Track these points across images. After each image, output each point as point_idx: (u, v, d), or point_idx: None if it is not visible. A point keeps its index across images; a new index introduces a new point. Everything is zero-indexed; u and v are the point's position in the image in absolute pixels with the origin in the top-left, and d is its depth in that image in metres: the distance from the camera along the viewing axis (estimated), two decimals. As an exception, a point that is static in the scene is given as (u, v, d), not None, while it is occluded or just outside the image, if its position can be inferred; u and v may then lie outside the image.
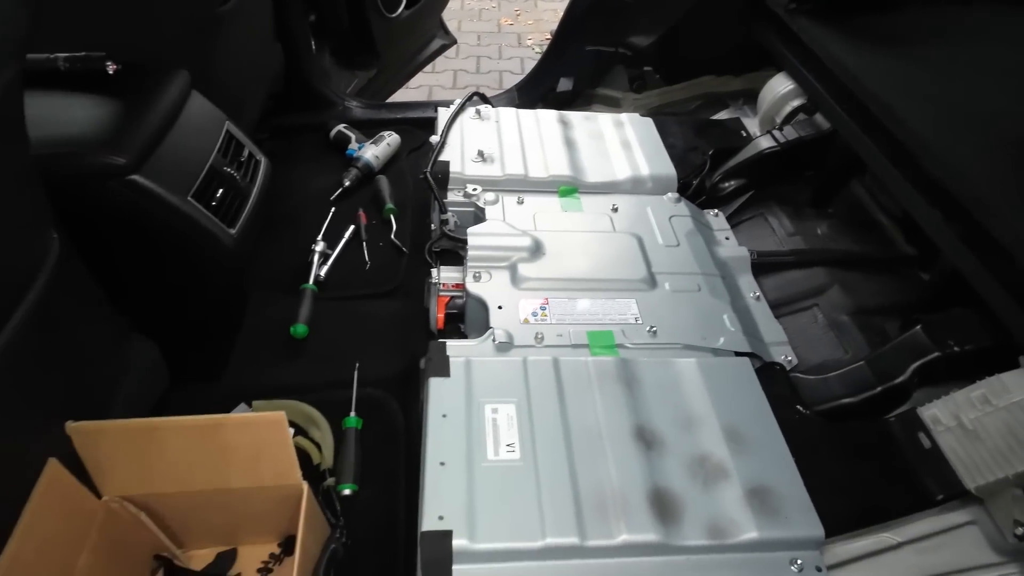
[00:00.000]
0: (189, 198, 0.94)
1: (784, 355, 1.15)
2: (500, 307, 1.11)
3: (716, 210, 1.42)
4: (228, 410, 1.16)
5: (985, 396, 0.88)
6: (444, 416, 0.91)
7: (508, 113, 1.56)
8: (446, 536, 0.78)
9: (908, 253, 1.31)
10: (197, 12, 1.13)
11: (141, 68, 0.98)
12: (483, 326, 1.09)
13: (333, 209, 1.64)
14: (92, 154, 0.85)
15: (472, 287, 1.14)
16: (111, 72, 0.94)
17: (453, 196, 1.35)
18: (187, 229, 0.94)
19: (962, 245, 0.98)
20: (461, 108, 1.53)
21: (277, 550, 1.03)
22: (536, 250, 1.20)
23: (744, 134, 1.57)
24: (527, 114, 1.56)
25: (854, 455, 0.94)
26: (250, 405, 1.19)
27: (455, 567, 0.77)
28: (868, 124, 1.19)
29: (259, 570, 1.01)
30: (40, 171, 0.73)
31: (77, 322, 0.79)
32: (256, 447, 0.85)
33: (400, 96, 2.53)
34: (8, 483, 0.69)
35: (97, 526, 0.84)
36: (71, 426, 0.79)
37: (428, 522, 0.79)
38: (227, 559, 1.01)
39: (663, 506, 0.84)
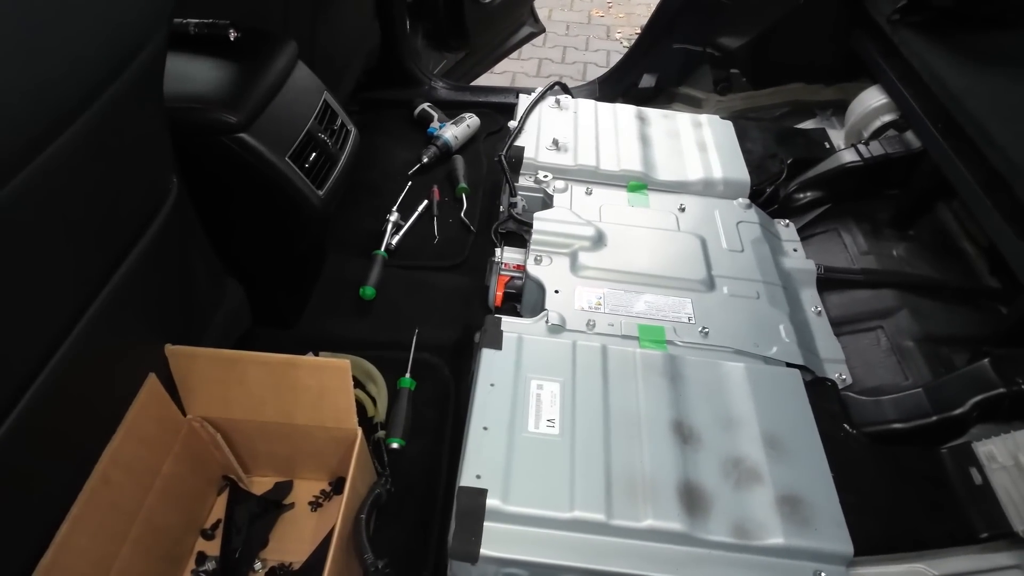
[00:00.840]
0: (287, 158, 1.03)
1: (839, 373, 1.13)
2: (557, 291, 1.15)
3: (787, 220, 1.40)
4: (298, 356, 1.27)
5: (1048, 439, 0.85)
6: (492, 385, 0.97)
7: (587, 105, 1.58)
8: (481, 493, 0.84)
9: (990, 286, 1.25)
10: (309, -11, 1.24)
11: (258, 36, 1.08)
12: (538, 308, 1.14)
13: (410, 183, 1.73)
14: (211, 111, 0.96)
15: (532, 269, 1.18)
16: (232, 39, 1.05)
17: (524, 181, 1.39)
18: (282, 185, 1.03)
19: (1046, 281, 0.93)
20: (541, 96, 1.57)
21: (328, 488, 1.13)
22: (598, 240, 1.23)
23: (827, 146, 1.53)
24: (605, 107, 1.58)
25: (897, 479, 0.93)
26: (317, 355, 1.29)
27: (486, 524, 0.83)
28: (962, 147, 1.13)
29: (310, 502, 1.11)
30: (168, 122, 0.83)
31: (183, 258, 0.90)
32: (320, 389, 0.94)
33: (484, 80, 2.58)
34: (117, 389, 0.80)
35: (181, 439, 0.95)
36: (169, 348, 0.90)
37: (466, 479, 0.85)
38: (284, 489, 1.12)
39: (692, 499, 0.86)
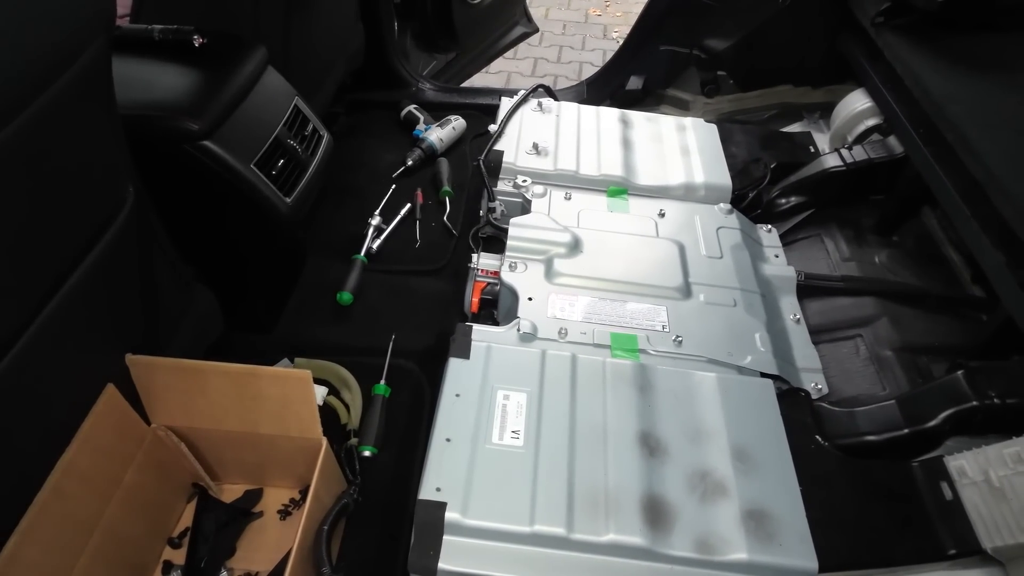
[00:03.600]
0: (252, 166, 1.03)
1: (815, 383, 1.11)
2: (530, 299, 1.14)
3: (769, 226, 1.38)
4: (273, 362, 1.26)
5: (1019, 454, 0.83)
6: (457, 396, 0.96)
7: (570, 108, 1.57)
8: (440, 507, 0.83)
9: (973, 295, 1.23)
10: (284, -8, 1.23)
11: (226, 41, 1.07)
12: (513, 315, 1.12)
13: (394, 186, 1.72)
14: (172, 118, 0.95)
15: (506, 276, 1.17)
16: (197, 45, 1.04)
17: (503, 185, 1.38)
18: (247, 193, 1.03)
19: (1021, 293, 0.92)
20: (523, 100, 1.56)
21: (297, 496, 1.12)
22: (574, 247, 1.22)
23: (812, 149, 1.51)
24: (588, 110, 1.56)
25: (866, 494, 0.91)
26: (292, 361, 1.29)
27: (445, 537, 0.82)
28: (941, 153, 1.12)
29: (279, 511, 1.10)
30: (125, 129, 0.82)
31: (144, 266, 0.89)
32: (283, 399, 0.93)
33: (478, 80, 2.56)
34: (71, 401, 0.80)
35: (144, 449, 0.95)
36: (130, 358, 0.89)
37: (426, 491, 0.85)
38: (253, 497, 1.11)
39: (655, 513, 0.85)
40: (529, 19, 2.72)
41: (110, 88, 0.74)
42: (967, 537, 0.84)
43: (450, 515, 0.83)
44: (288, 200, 1.09)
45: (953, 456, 0.91)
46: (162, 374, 0.91)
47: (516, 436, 0.92)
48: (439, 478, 0.86)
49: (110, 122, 0.76)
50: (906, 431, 0.97)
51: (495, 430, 0.92)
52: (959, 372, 0.95)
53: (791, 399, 1.03)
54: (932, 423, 0.94)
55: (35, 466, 0.74)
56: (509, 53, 2.75)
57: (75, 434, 0.80)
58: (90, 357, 0.81)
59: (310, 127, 1.19)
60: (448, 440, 0.90)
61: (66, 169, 0.69)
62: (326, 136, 1.24)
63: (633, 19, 1.91)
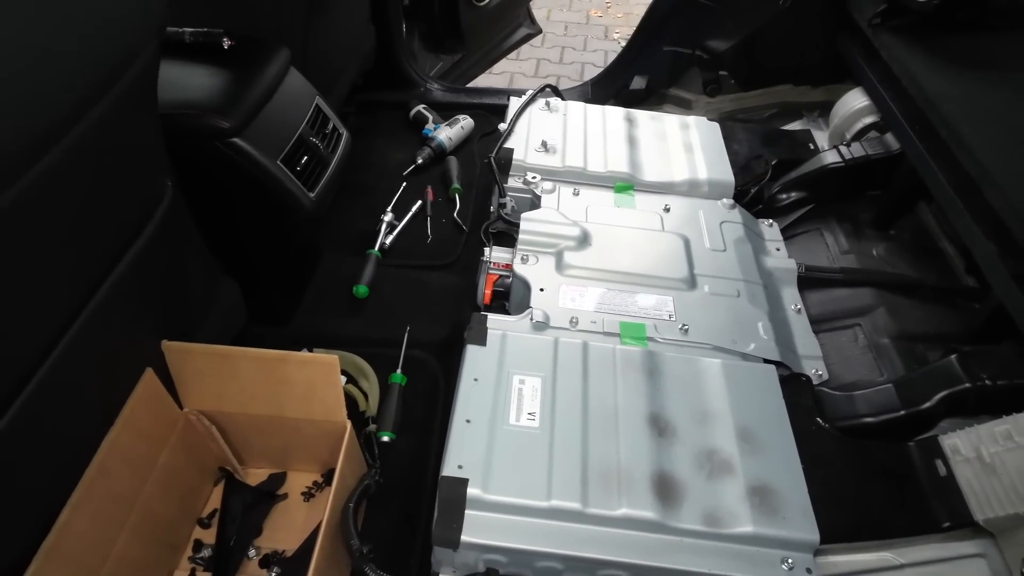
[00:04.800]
0: (278, 162, 1.08)
1: (815, 369, 1.16)
2: (542, 289, 1.18)
3: (771, 220, 1.43)
4: (292, 353, 1.30)
5: (1009, 432, 0.88)
6: (476, 380, 1.00)
7: (576, 107, 1.61)
8: (462, 483, 0.88)
9: (967, 285, 1.28)
10: (304, -1, 1.28)
11: (252, 43, 1.12)
12: (525, 305, 1.17)
13: (404, 183, 1.77)
14: (205, 117, 1.00)
15: (519, 268, 1.22)
16: (226, 47, 1.09)
17: (513, 182, 1.43)
18: (274, 187, 1.08)
19: (1012, 282, 0.96)
20: (531, 99, 1.60)
21: (320, 479, 1.17)
22: (583, 240, 1.27)
23: (812, 147, 1.55)
24: (595, 109, 1.61)
25: (865, 472, 0.96)
26: (311, 351, 1.33)
27: (467, 512, 0.87)
28: (936, 149, 1.17)
29: (303, 493, 1.15)
30: (162, 128, 0.87)
31: (178, 258, 0.94)
32: (310, 383, 0.98)
33: (482, 81, 2.61)
34: (115, 384, 0.85)
35: (177, 432, 0.99)
36: (166, 344, 0.94)
37: (448, 469, 0.89)
38: (278, 480, 1.16)
39: (665, 489, 0.90)
40: (532, 21, 2.77)
41: (155, 89, 0.79)
42: (960, 510, 0.89)
43: (471, 491, 0.87)
44: (311, 194, 1.15)
45: (947, 435, 0.95)
46: (196, 360, 0.96)
47: (532, 417, 0.96)
48: (460, 456, 0.90)
49: (153, 120, 0.81)
50: (902, 413, 1.01)
51: (512, 412, 0.97)
52: (952, 356, 1.00)
53: (793, 384, 1.08)
54: (927, 405, 0.99)
55: (84, 444, 0.79)
56: (512, 54, 2.80)
57: (117, 415, 0.84)
58: (131, 342, 0.86)
59: (330, 125, 1.24)
60: (468, 421, 0.95)
61: (117, 168, 0.74)
62: (345, 134, 1.29)
63: (634, 20, 1.96)
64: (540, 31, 2.77)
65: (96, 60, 0.64)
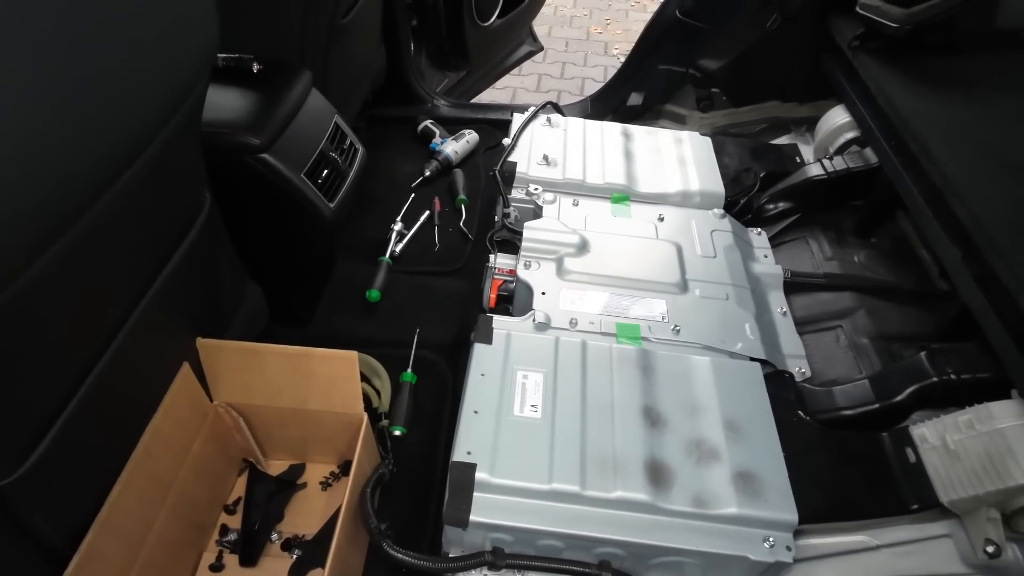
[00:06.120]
0: (302, 175, 1.17)
1: (799, 367, 1.24)
2: (544, 293, 1.27)
3: (759, 229, 1.52)
4: (309, 353, 1.39)
5: (971, 421, 0.96)
6: (483, 375, 1.09)
7: (576, 123, 1.71)
8: (471, 467, 0.96)
9: (940, 289, 1.36)
10: (323, 23, 1.38)
11: (278, 67, 1.23)
12: (527, 308, 1.26)
13: (413, 195, 1.86)
14: (236, 135, 1.10)
15: (522, 273, 1.31)
16: (255, 71, 1.19)
17: (516, 193, 1.52)
18: (298, 199, 1.17)
19: (974, 284, 1.05)
20: (534, 116, 1.70)
21: (337, 470, 1.25)
22: (582, 247, 1.36)
23: (798, 160, 1.65)
24: (593, 125, 1.70)
25: (842, 459, 1.04)
26: (327, 351, 1.42)
27: (475, 494, 0.95)
28: (908, 162, 1.26)
29: (321, 482, 1.23)
30: (202, 146, 0.97)
31: (213, 262, 1.03)
32: (331, 377, 1.06)
33: (485, 96, 2.72)
34: (157, 375, 0.93)
35: (208, 422, 1.08)
36: (200, 341, 1.03)
37: (458, 455, 0.98)
38: (297, 470, 1.24)
39: (656, 474, 0.98)
40: (535, 38, 2.88)
41: (200, 113, 0.89)
42: (927, 493, 0.97)
43: (479, 475, 0.95)
44: (331, 205, 1.24)
45: (916, 425, 1.04)
46: (226, 355, 1.04)
47: (535, 409, 1.05)
48: (469, 443, 0.99)
49: (198, 140, 0.90)
50: (877, 405, 1.10)
51: (516, 404, 1.05)
52: (922, 353, 1.08)
53: (777, 380, 1.16)
54: (899, 398, 1.07)
55: (132, 428, 0.87)
56: (515, 70, 2.91)
57: (159, 404, 0.93)
58: (173, 339, 0.95)
59: (348, 141, 1.34)
60: (476, 412, 1.03)
61: (168, 185, 0.83)
62: (361, 149, 1.39)
63: (633, 36, 2.06)
64: (542, 48, 2.88)
65: (165, 96, 0.73)
